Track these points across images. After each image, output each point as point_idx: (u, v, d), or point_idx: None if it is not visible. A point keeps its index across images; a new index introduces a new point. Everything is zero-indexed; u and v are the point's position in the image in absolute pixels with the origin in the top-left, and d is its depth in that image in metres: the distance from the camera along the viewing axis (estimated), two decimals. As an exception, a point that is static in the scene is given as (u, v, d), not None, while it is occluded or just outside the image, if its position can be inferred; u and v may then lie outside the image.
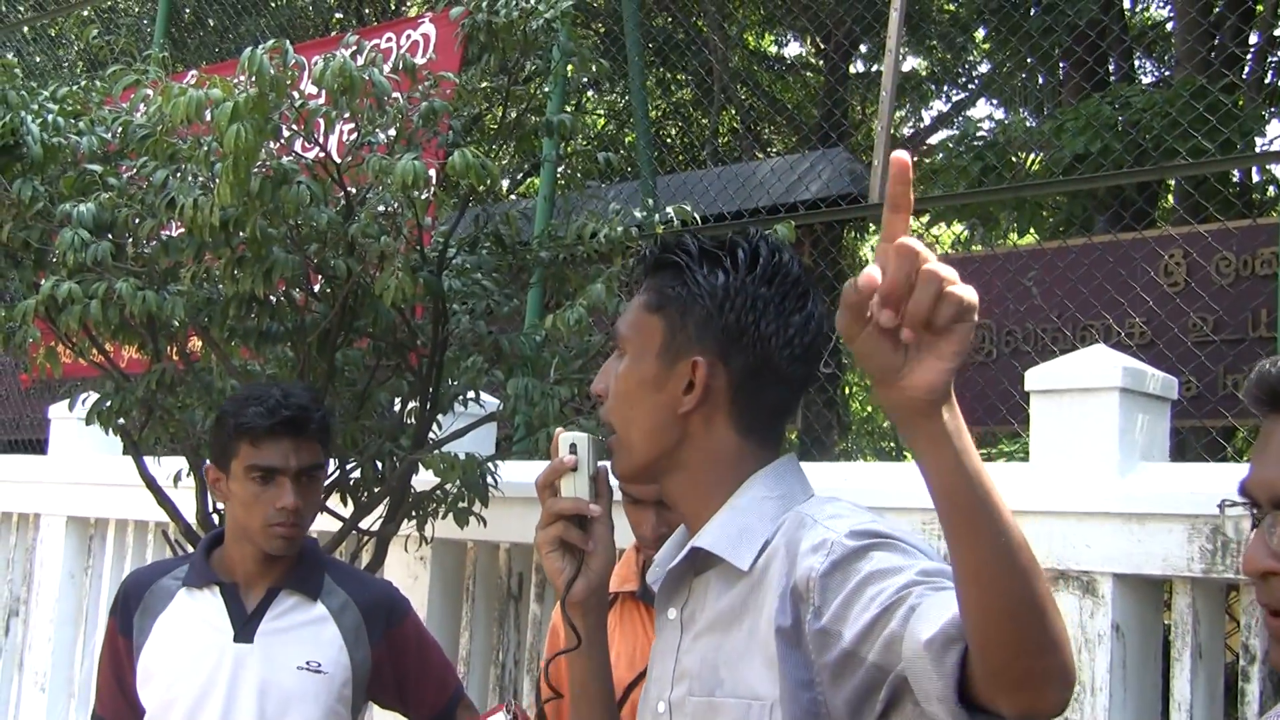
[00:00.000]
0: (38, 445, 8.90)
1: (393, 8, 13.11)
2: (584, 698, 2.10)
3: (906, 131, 14.87)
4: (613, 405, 2.00)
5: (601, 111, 16.10)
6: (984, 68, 14.09)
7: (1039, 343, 6.48)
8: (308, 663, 3.18)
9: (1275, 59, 10.57)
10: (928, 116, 15.60)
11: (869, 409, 18.01)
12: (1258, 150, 8.36)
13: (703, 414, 1.95)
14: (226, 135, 3.76)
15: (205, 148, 4.04)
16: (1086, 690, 3.91)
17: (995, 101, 13.56)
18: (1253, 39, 10.14)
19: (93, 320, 4.15)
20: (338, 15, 13.99)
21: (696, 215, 4.67)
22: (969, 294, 1.44)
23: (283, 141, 4.16)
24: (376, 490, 4.74)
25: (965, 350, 1.47)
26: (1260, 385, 1.64)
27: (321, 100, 4.16)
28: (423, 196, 4.11)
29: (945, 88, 14.89)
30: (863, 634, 1.69)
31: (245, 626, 3.20)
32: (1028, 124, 10.71)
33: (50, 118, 4.52)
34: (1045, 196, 8.66)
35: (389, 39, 7.02)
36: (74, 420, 6.36)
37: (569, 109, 9.89)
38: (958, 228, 10.61)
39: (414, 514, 4.82)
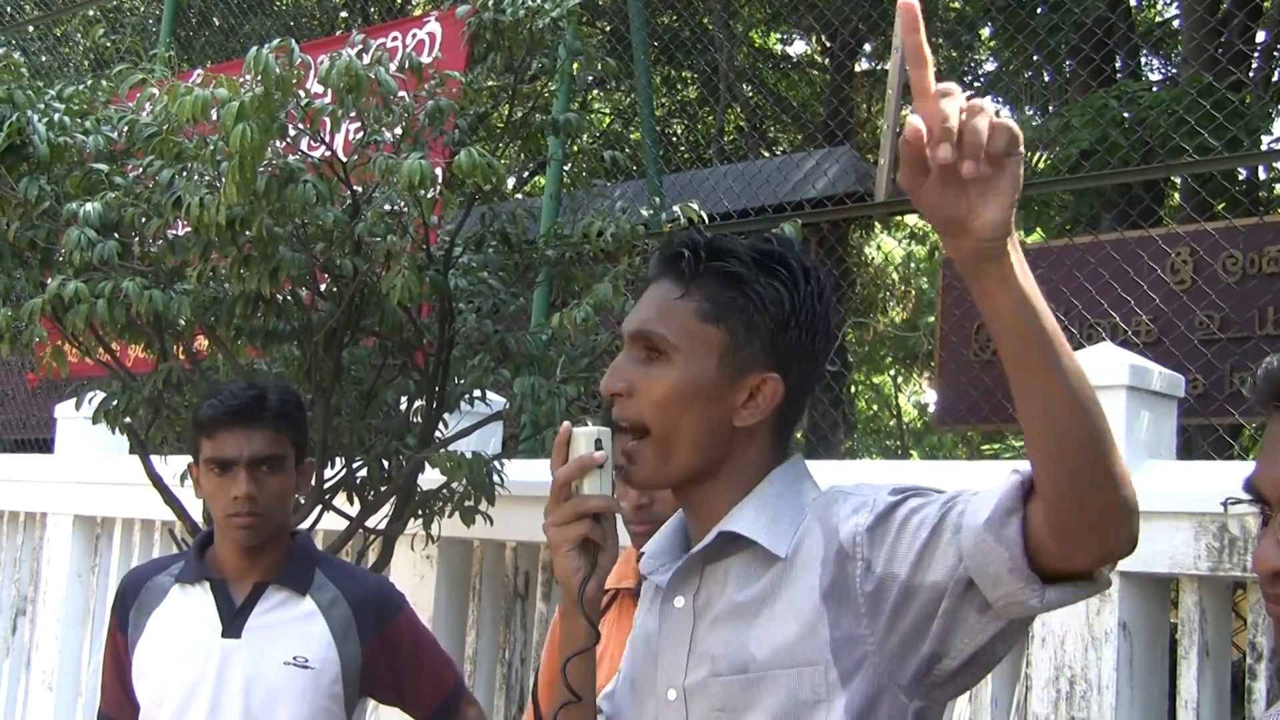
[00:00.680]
0: (44, 444, 8.91)
1: (398, 6, 13.11)
2: (584, 698, 2.09)
3: (912, 130, 14.84)
4: (649, 409, 1.94)
5: (607, 110, 16.09)
6: (990, 66, 14.07)
7: (1045, 341, 6.46)
8: (295, 658, 3.18)
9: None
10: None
11: (874, 408, 18.01)
12: (1264, 148, 8.35)
13: (754, 427, 1.95)
14: (232, 135, 3.77)
15: (211, 147, 4.05)
16: (1093, 688, 3.91)
17: (1001, 99, 13.55)
18: (1260, 36, 10.13)
19: (99, 319, 4.15)
20: (343, 14, 13.98)
21: (704, 213, 4.67)
22: (1014, 126, 1.53)
23: (289, 140, 4.16)
24: (383, 489, 4.74)
25: (1019, 184, 1.55)
26: (1267, 382, 1.64)
27: (328, 99, 4.16)
28: (429, 195, 4.12)
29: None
30: (917, 561, 1.75)
31: (233, 622, 3.21)
32: (1034, 122, 10.69)
33: (57, 117, 4.53)
34: (1052, 194, 8.65)
35: (395, 38, 7.01)
36: (81, 419, 6.38)
37: (575, 107, 9.90)
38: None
39: (420, 513, 4.82)
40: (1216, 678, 3.95)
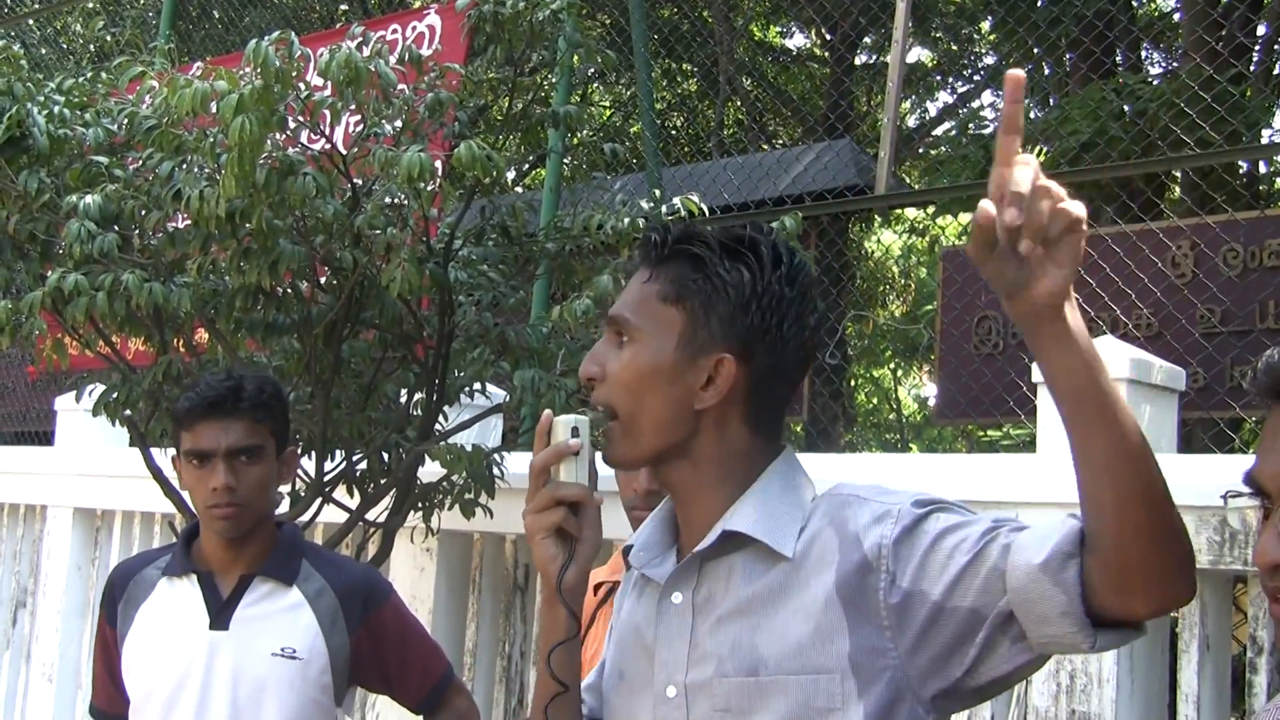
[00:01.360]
0: (44, 437, 8.91)
1: (398, -1, 13.11)
2: (571, 688, 2.09)
3: (912, 123, 14.85)
4: (616, 392, 1.96)
5: (607, 103, 16.09)
6: (990, 59, 14.07)
7: (1046, 334, 6.46)
8: (282, 649, 3.17)
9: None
10: (934, 108, 15.58)
11: (874, 401, 18.01)
12: (1265, 141, 8.35)
13: (719, 410, 1.94)
14: (231, 127, 3.76)
15: (211, 140, 4.04)
16: (1094, 681, 3.91)
17: (1001, 93, 13.54)
18: (1261, 30, 10.12)
19: (99, 312, 4.15)
20: (343, 7, 13.98)
21: (704, 206, 4.66)
22: (1078, 208, 1.58)
23: (289, 133, 4.15)
24: (383, 482, 4.74)
25: (1079, 259, 1.60)
26: (1268, 375, 1.63)
27: (327, 92, 4.16)
28: (428, 188, 4.11)
29: (951, 79, 14.88)
30: (952, 584, 1.76)
31: (220, 614, 3.20)
32: (1032, 114, 10.68)
33: (57, 110, 4.52)
34: (1051, 187, 8.63)
35: (394, 30, 7.01)
36: (81, 412, 6.37)
37: (575, 100, 9.88)
38: (964, 218, 10.59)
39: (420, 505, 4.82)
40: (1217, 671, 3.95)
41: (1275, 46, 10.31)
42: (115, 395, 4.63)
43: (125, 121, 4.44)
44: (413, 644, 3.41)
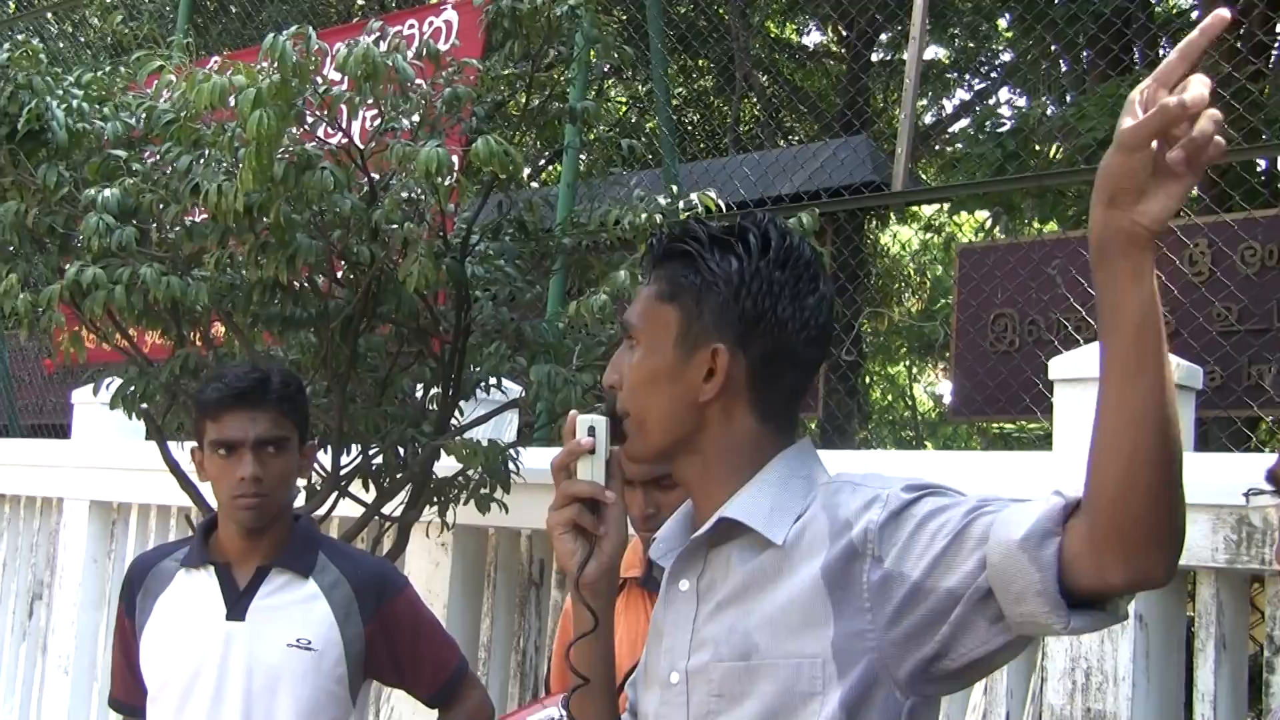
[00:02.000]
0: (61, 430, 8.93)
1: (415, -6, 13.10)
2: (593, 682, 2.10)
3: (929, 120, 14.83)
4: (628, 396, 1.99)
5: (624, 99, 16.08)
6: (1007, 56, 14.03)
7: (1062, 332, 6.46)
8: (298, 640, 3.19)
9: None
10: (950, 105, 15.55)
11: (889, 398, 17.98)
12: (1283, 139, 8.31)
13: (722, 401, 1.95)
14: (249, 122, 3.77)
15: (229, 134, 4.05)
16: (1109, 680, 3.91)
17: (1018, 90, 13.51)
18: None
19: (117, 305, 4.16)
20: (360, 1, 13.99)
21: (721, 203, 4.66)
22: (1221, 147, 1.55)
23: (306, 128, 4.16)
24: (399, 476, 4.75)
25: (1184, 199, 1.58)
26: None
27: (345, 86, 4.16)
28: (445, 183, 4.11)
29: (968, 76, 14.84)
30: (932, 565, 1.75)
31: (237, 605, 3.22)
32: (1048, 110, 10.66)
33: (75, 103, 4.53)
34: (1068, 184, 8.63)
35: (411, 25, 7.02)
36: (97, 405, 6.39)
37: (591, 96, 9.89)
38: (981, 215, 10.58)
39: (436, 500, 4.83)
40: (1233, 670, 3.94)
41: (1294, 44, 10.26)
42: (132, 388, 4.64)
43: (143, 115, 4.44)
44: (426, 636, 3.42)
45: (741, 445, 1.97)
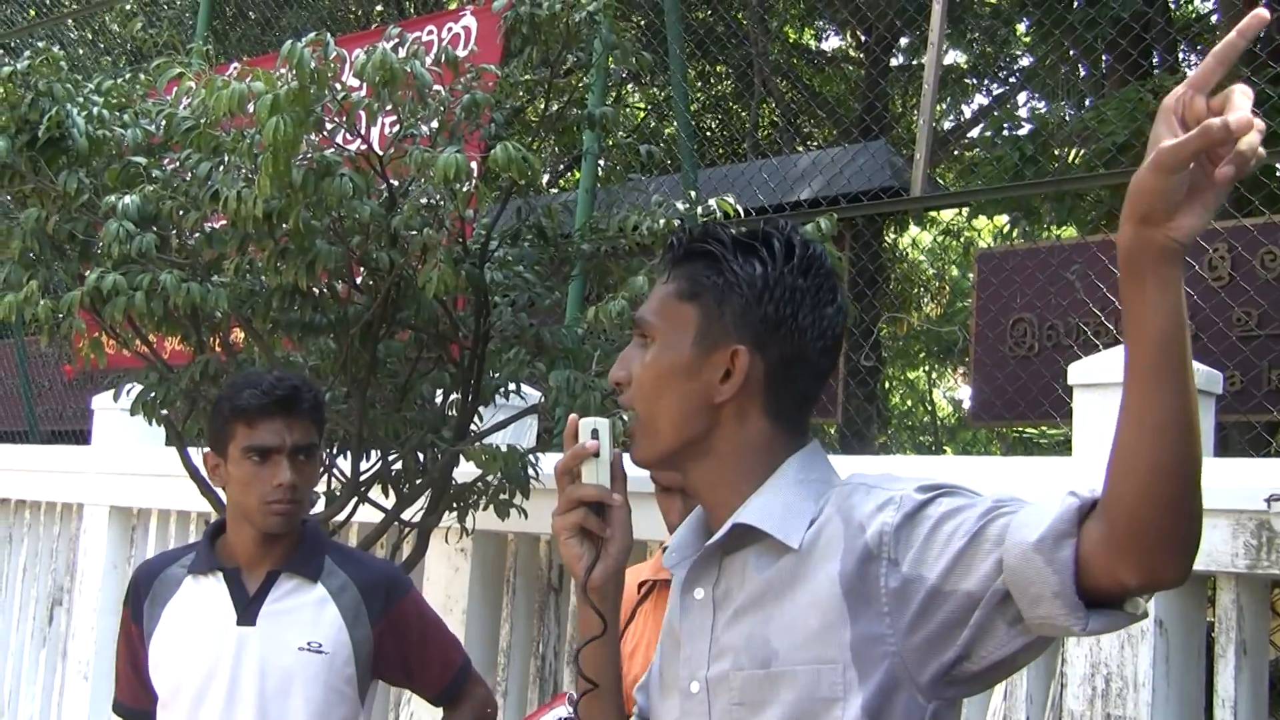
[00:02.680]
0: (81, 436, 8.97)
1: (434, 0, 13.12)
2: (602, 686, 2.10)
3: (947, 125, 14.81)
4: (638, 392, 1.98)
5: (642, 104, 16.09)
6: (1026, 61, 14.01)
7: (1081, 337, 6.45)
8: (308, 643, 3.23)
9: (1321, 51, 10.47)
10: (969, 110, 15.54)
11: (908, 403, 17.96)
12: (1304, 143, 8.28)
13: (737, 403, 1.95)
14: (266, 128, 3.78)
15: (248, 140, 4.06)
16: (1129, 685, 3.89)
17: (1037, 95, 13.48)
18: (1299, 31, 10.05)
19: (137, 312, 4.18)
20: (379, 8, 14.02)
21: (739, 208, 4.66)
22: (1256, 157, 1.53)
23: (325, 134, 4.17)
24: (418, 482, 4.76)
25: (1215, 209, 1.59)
26: None
27: (363, 93, 4.17)
28: (464, 189, 4.12)
29: (986, 81, 14.82)
30: (949, 568, 1.74)
31: (247, 609, 3.25)
32: (1067, 115, 10.64)
33: (95, 110, 4.55)
34: (1087, 189, 8.61)
35: (430, 32, 7.03)
36: (118, 411, 6.41)
37: (610, 102, 9.89)
38: (1000, 220, 10.56)
39: (455, 506, 4.84)
40: (1254, 675, 3.93)
41: (1314, 48, 10.23)
42: (152, 394, 4.66)
43: (163, 122, 4.46)
44: (433, 636, 3.47)
45: (755, 448, 1.96)
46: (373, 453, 4.77)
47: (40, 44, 5.02)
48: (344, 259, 4.25)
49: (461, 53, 4.59)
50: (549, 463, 4.84)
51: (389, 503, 4.82)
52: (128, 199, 4.27)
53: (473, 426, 4.74)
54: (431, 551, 5.32)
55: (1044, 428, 9.99)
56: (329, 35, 4.06)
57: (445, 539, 5.31)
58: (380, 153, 4.24)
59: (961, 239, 15.44)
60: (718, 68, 14.19)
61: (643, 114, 15.85)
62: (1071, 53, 10.85)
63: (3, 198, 4.91)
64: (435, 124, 4.32)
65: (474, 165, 4.25)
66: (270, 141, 3.79)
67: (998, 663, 1.76)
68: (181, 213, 4.33)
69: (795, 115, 14.35)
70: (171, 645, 3.29)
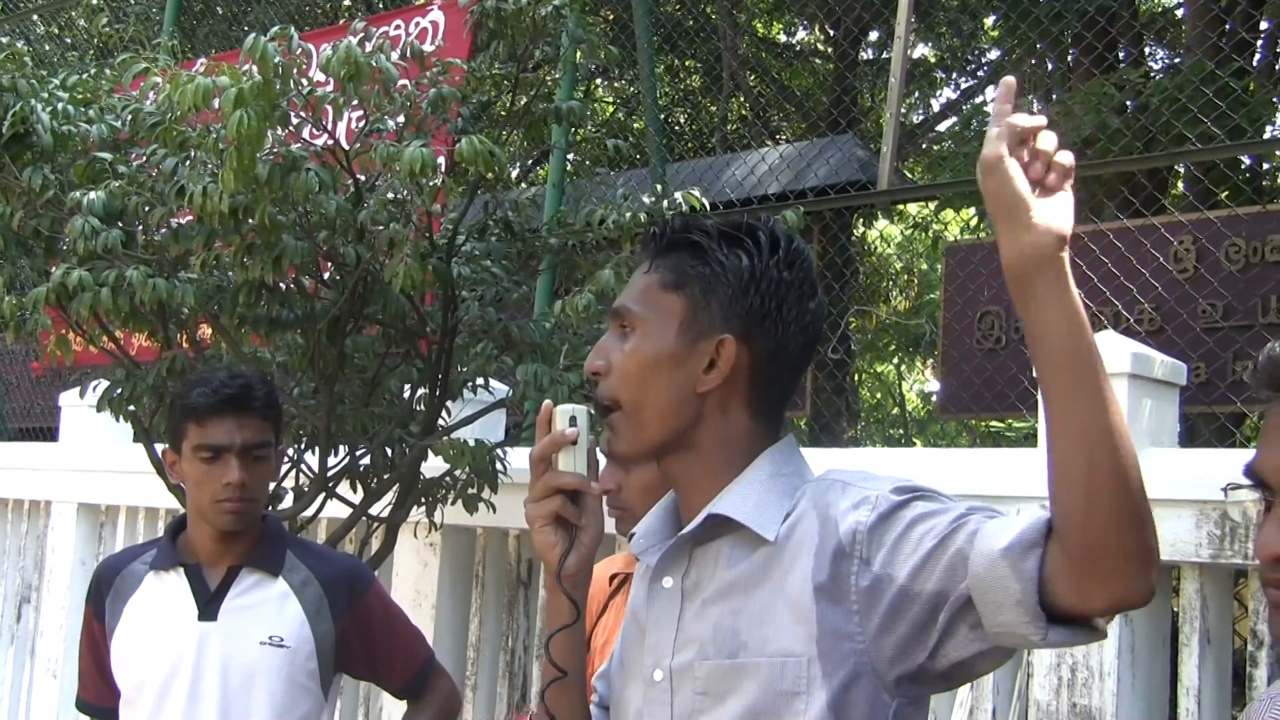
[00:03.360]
0: (49, 433, 8.92)
1: (402, -5, 13.08)
2: (570, 675, 2.10)
3: (916, 118, 14.85)
4: (620, 383, 1.98)
5: (611, 99, 16.08)
6: (993, 55, 14.05)
7: (1048, 329, 6.46)
8: (270, 638, 3.23)
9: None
10: (937, 104, 15.57)
11: (878, 396, 18.01)
12: (1268, 136, 8.34)
13: (720, 394, 1.95)
14: (230, 121, 3.77)
15: (214, 135, 4.05)
16: (1095, 675, 3.92)
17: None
18: (1264, 25, 10.11)
19: (104, 308, 4.16)
20: (346, 2, 13.98)
21: (706, 201, 4.67)
22: (1069, 157, 1.68)
23: (291, 129, 4.16)
24: (386, 477, 4.75)
25: (1072, 216, 1.67)
26: (1269, 368, 1.64)
27: (330, 88, 4.17)
28: (431, 183, 4.12)
29: (954, 75, 14.86)
30: (918, 568, 1.75)
31: (209, 605, 3.25)
32: (1034, 108, 10.67)
33: (61, 106, 4.53)
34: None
35: (398, 26, 7.02)
36: (85, 407, 6.39)
37: (578, 96, 9.89)
38: (967, 213, 10.59)
39: (424, 500, 4.84)
40: (1218, 665, 3.96)
41: (1278, 41, 10.29)
42: (119, 391, 4.64)
43: (129, 118, 4.45)
44: (397, 630, 3.48)
45: (736, 440, 1.97)
46: (341, 448, 4.77)
47: (4, 39, 4.99)
48: (311, 254, 4.24)
49: (429, 47, 4.58)
50: (517, 457, 4.85)
51: (357, 498, 4.82)
52: (93, 195, 4.25)
53: (441, 421, 4.74)
54: (400, 547, 5.32)
55: (1011, 420, 10.03)
56: (293, 30, 4.06)
57: (414, 534, 5.31)
58: (347, 147, 4.24)
59: (929, 232, 15.49)
60: (687, 62, 14.19)
61: (611, 109, 15.84)
62: (1038, 46, 10.88)
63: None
64: (402, 119, 4.32)
65: (441, 160, 4.25)
66: (235, 135, 3.78)
67: (958, 663, 1.78)
68: (148, 208, 4.31)
69: (764, 109, 14.37)
70: (134, 642, 3.28)
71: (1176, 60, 11.70)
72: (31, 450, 8.09)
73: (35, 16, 12.38)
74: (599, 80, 15.15)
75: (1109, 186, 8.01)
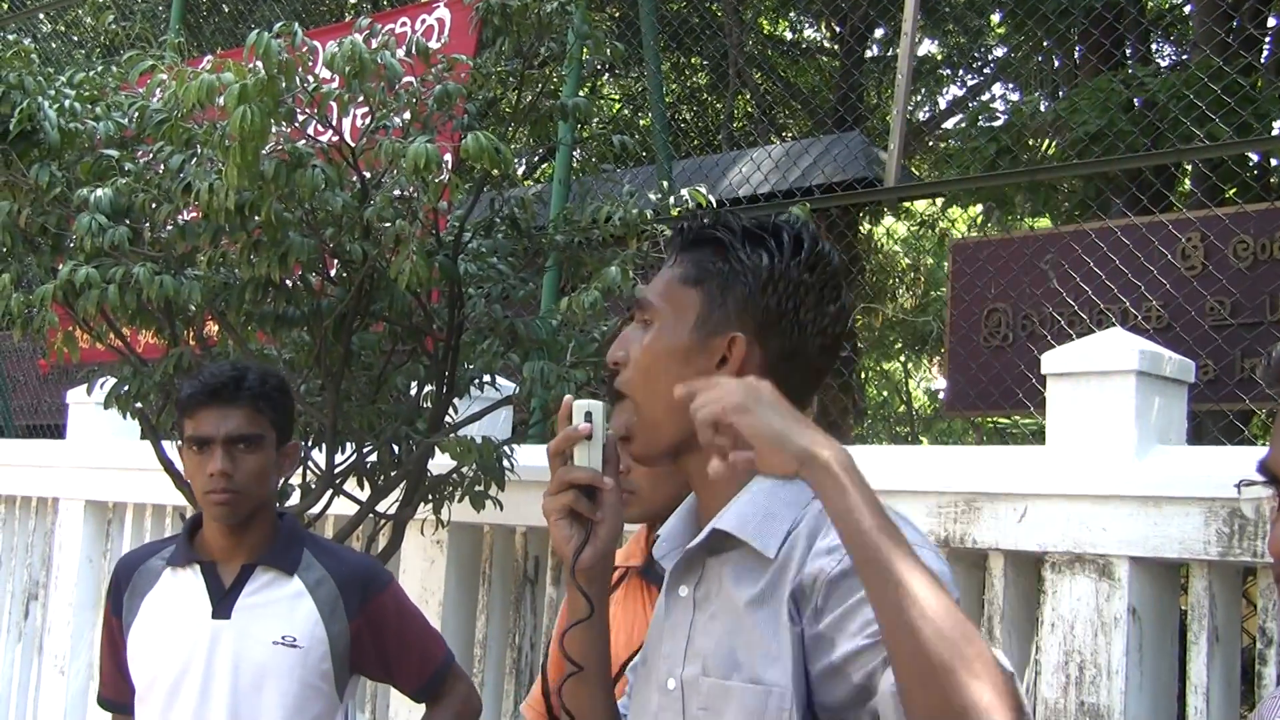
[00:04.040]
0: (56, 430, 8.93)
1: (408, -8, 13.06)
2: (587, 670, 2.10)
3: (922, 116, 14.84)
4: (635, 376, 1.99)
5: (617, 96, 16.09)
6: (999, 52, 14.05)
7: (1055, 326, 6.47)
8: (283, 637, 3.21)
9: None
10: (943, 101, 15.57)
11: (884, 394, 18.00)
12: (1275, 133, 8.33)
13: None
14: (233, 117, 3.77)
15: (220, 132, 4.05)
16: (1103, 673, 3.91)
17: (1011, 85, 13.51)
18: (1271, 21, 10.10)
19: (110, 305, 4.16)
20: (353, 0, 13.98)
21: (712, 199, 4.67)
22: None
23: (296, 125, 4.16)
24: (393, 474, 4.75)
25: (768, 429, 1.73)
26: (1278, 363, 1.63)
27: (335, 84, 4.17)
28: (437, 180, 4.12)
29: (961, 72, 14.86)
30: (851, 656, 1.72)
31: (222, 602, 3.25)
32: (1041, 105, 10.66)
33: (67, 103, 4.53)
34: (1061, 179, 8.63)
35: (403, 23, 7.01)
36: (92, 405, 6.39)
37: (584, 93, 9.88)
38: (973, 210, 10.59)
39: (430, 498, 4.83)
40: (1226, 663, 3.95)
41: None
42: (126, 388, 4.64)
43: (135, 115, 4.45)
44: (412, 631, 3.44)
45: None
46: (347, 445, 4.77)
47: (11, 37, 4.99)
48: (317, 251, 4.24)
49: (435, 44, 4.58)
50: (524, 454, 4.84)
51: (364, 495, 4.82)
52: (100, 192, 4.25)
53: (447, 418, 4.74)
54: (407, 544, 5.31)
55: (1018, 418, 10.02)
56: (297, 26, 4.05)
57: (421, 531, 5.31)
58: (352, 144, 4.23)
59: (936, 230, 15.48)
60: (693, 60, 14.19)
61: (618, 106, 15.84)
62: (1045, 43, 10.88)
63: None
64: (407, 115, 4.31)
65: (447, 157, 4.25)
66: (238, 131, 3.78)
67: None
68: (154, 205, 4.31)
69: (770, 107, 14.37)
70: (148, 638, 3.28)
71: (1184, 57, 11.68)
72: (39, 447, 8.10)
73: (42, 14, 12.40)
74: (605, 77, 15.15)
75: (1116, 184, 8.01)
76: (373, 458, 4.76)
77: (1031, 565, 4.16)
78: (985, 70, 14.46)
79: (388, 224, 4.13)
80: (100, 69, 5.03)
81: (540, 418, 5.16)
